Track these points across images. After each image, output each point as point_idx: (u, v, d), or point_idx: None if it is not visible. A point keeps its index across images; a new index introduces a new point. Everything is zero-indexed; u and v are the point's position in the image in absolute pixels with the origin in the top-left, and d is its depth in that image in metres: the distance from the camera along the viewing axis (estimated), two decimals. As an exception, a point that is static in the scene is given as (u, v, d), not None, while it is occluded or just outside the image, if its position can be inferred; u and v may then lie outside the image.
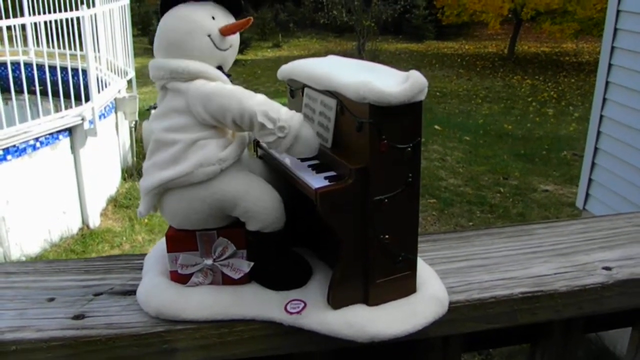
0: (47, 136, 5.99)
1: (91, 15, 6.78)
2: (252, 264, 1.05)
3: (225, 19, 1.07)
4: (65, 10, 7.89)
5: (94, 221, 6.74)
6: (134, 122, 8.22)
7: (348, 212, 0.94)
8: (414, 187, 0.96)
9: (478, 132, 10.49)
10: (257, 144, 1.18)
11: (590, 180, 5.44)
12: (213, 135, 1.03)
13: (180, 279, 1.05)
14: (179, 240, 1.04)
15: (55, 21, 6.77)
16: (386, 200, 0.94)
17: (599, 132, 5.29)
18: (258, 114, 0.98)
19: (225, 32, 1.06)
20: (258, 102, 0.99)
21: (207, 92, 1.00)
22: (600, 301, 1.17)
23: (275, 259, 1.06)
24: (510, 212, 7.41)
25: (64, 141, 6.27)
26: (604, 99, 5.21)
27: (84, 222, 6.69)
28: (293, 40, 19.78)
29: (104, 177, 7.17)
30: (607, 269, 1.20)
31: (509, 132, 10.53)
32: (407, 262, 1.01)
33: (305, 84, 1.11)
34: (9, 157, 5.60)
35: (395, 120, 0.91)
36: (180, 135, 1.01)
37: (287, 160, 1.07)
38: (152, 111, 1.08)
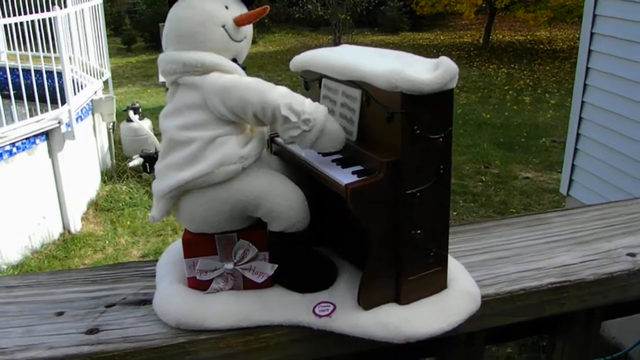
0: (24, 141, 5.84)
1: (63, 16, 6.62)
2: (276, 266, 0.99)
3: (238, 8, 1.02)
4: (36, 11, 7.71)
5: (75, 226, 6.61)
6: (111, 124, 8.08)
7: (380, 207, 0.89)
8: (446, 178, 0.92)
9: (457, 121, 10.51)
10: (271, 139, 1.13)
11: (573, 165, 5.47)
12: (232, 131, 0.97)
13: (199, 285, 0.99)
14: (197, 244, 0.98)
15: (27, 23, 6.60)
16: (418, 194, 0.90)
17: (580, 118, 5.31)
18: (282, 107, 0.92)
19: (240, 22, 1.00)
20: (281, 94, 0.93)
21: (225, 84, 0.94)
22: (625, 288, 1.15)
23: (300, 260, 1.00)
24: (493, 200, 7.45)
25: (41, 145, 6.13)
26: (585, 85, 5.23)
27: (65, 227, 6.55)
28: (268, 35, 19.65)
29: (84, 181, 7.04)
30: (632, 255, 1.18)
31: (487, 121, 10.59)
32: (438, 258, 0.97)
33: (323, 74, 1.06)
34: (-16, 163, 5.46)
35: (426, 110, 0.87)
36: (197, 132, 0.95)
37: (308, 155, 1.01)
38: (164, 109, 1.01)
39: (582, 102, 5.26)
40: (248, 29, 1.03)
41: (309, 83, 1.13)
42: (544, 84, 13.08)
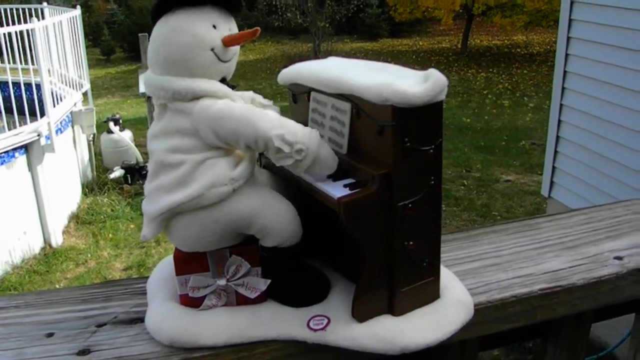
0: (2, 154, 5.76)
1: (42, 28, 6.56)
2: (269, 281, 0.99)
3: (226, 24, 0.99)
4: (13, 23, 7.63)
5: (57, 239, 6.53)
6: (91, 135, 8.00)
7: (373, 220, 0.89)
8: (437, 189, 0.93)
9: (438, 126, 10.57)
10: (260, 153, 1.12)
11: (554, 168, 5.53)
12: (222, 153, 0.96)
13: (191, 302, 0.98)
14: (188, 261, 0.98)
15: (5, 35, 6.52)
16: (410, 205, 0.90)
17: (559, 121, 5.38)
18: (274, 139, 0.91)
19: (229, 43, 0.98)
20: (273, 126, 0.92)
21: (216, 115, 0.92)
22: (614, 291, 1.16)
23: (292, 275, 1.00)
24: (475, 203, 7.50)
25: (20, 159, 6.05)
26: (563, 88, 5.30)
27: (46, 241, 6.47)
28: (248, 44, 19.61)
29: (64, 194, 6.95)
30: (619, 258, 1.19)
31: (467, 125, 10.67)
32: (431, 268, 0.97)
33: (312, 87, 1.05)
34: (-37, 178, 5.37)
35: (417, 122, 0.88)
36: (186, 155, 0.94)
37: None
38: (151, 128, 1.00)
39: (561, 105, 5.32)
40: (236, 47, 1.01)
41: (297, 96, 1.12)
42: (522, 87, 13.22)
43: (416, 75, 0.91)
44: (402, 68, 0.98)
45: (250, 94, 1.06)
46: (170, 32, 0.95)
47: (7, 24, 8.00)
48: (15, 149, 5.91)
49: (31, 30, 6.26)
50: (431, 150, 0.90)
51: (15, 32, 6.36)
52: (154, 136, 0.97)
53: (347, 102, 0.96)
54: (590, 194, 4.95)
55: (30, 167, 6.20)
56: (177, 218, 0.96)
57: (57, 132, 6.48)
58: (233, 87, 1.00)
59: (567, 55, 5.20)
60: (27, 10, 8.35)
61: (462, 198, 7.63)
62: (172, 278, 1.00)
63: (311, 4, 16.93)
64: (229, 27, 1.00)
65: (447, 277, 1.05)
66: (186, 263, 0.97)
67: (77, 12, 8.22)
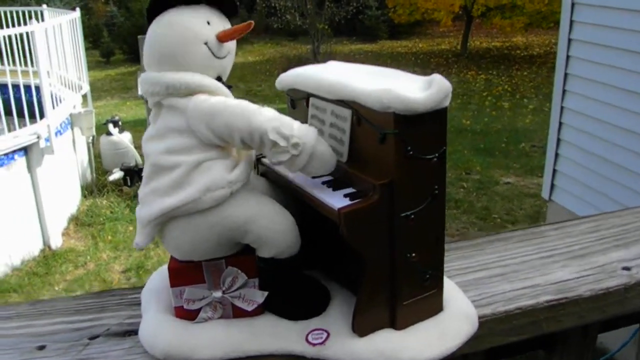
0: (2, 157, 5.73)
1: (41, 30, 6.54)
2: (266, 294, 0.95)
3: (221, 23, 0.97)
4: (13, 25, 7.61)
5: (56, 241, 6.50)
6: (91, 138, 7.98)
7: (374, 231, 0.86)
8: (441, 199, 0.90)
9: (438, 128, 10.54)
10: (257, 160, 1.09)
11: (554, 170, 5.50)
12: (218, 155, 0.93)
13: (186, 315, 0.95)
14: (183, 272, 0.94)
15: (4, 37, 6.50)
16: (413, 216, 0.87)
17: (560, 123, 5.35)
18: (269, 132, 0.89)
19: (223, 38, 0.95)
20: (268, 118, 0.90)
21: (210, 109, 0.90)
22: (622, 303, 1.13)
23: (291, 286, 0.97)
24: (475, 206, 7.47)
25: (20, 161, 6.02)
26: (564, 91, 5.27)
27: (46, 243, 6.44)
28: (247, 46, 19.60)
29: (64, 196, 6.93)
30: (627, 269, 1.16)
31: (467, 127, 10.64)
32: (434, 280, 0.94)
33: (311, 93, 1.02)
34: (-39, 181, 5.34)
35: (420, 129, 0.84)
36: (182, 157, 0.91)
37: (296, 177, 0.98)
38: (146, 131, 0.97)
39: (562, 107, 5.30)
40: (231, 45, 0.99)
41: (296, 102, 1.09)
42: (522, 89, 13.20)
43: (419, 80, 0.88)
44: (404, 73, 0.96)
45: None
46: (164, 27, 0.94)
47: (7, 26, 7.97)
48: (14, 151, 5.89)
49: (31, 32, 6.24)
50: (435, 159, 0.87)
51: (15, 35, 6.33)
52: (149, 138, 0.95)
53: (348, 109, 0.92)
54: (592, 198, 4.92)
55: (30, 169, 6.17)
56: (172, 223, 0.92)
57: (56, 134, 6.46)
58: (229, 88, 0.98)
59: (568, 57, 5.17)
60: (27, 12, 8.34)
61: (462, 201, 7.59)
62: (167, 288, 0.97)
63: (310, 6, 16.91)
64: (223, 26, 0.97)
65: (450, 288, 1.02)
66: (181, 274, 0.94)
67: (77, 14, 8.20)
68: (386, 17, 18.97)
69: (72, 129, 7.46)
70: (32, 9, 8.32)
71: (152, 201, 0.92)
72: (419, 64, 16.29)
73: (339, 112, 0.95)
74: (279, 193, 1.03)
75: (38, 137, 6.06)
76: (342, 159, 0.95)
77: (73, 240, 6.73)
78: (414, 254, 0.90)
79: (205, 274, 0.95)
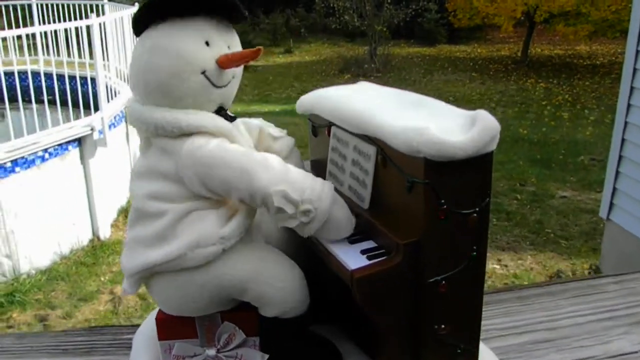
0: (56, 147, 5.87)
1: (100, 24, 6.67)
2: (266, 356, 0.83)
3: (223, 40, 0.82)
4: (75, 19, 7.79)
5: (105, 232, 6.61)
6: (144, 131, 8.08)
7: (394, 299, 0.72)
8: (480, 262, 0.74)
9: (493, 137, 10.28)
10: None
11: (614, 189, 5.25)
12: (210, 205, 0.80)
13: None
14: (173, 325, 0.83)
15: (65, 30, 6.66)
16: (443, 282, 0.73)
17: (623, 140, 5.09)
18: (274, 197, 0.75)
19: (225, 64, 0.81)
20: (273, 179, 0.75)
21: (206, 160, 0.77)
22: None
23: (296, 348, 0.84)
24: (528, 219, 7.22)
25: (73, 152, 6.15)
26: (629, 105, 5.02)
27: (95, 233, 6.56)
28: (304, 45, 19.62)
29: (115, 188, 7.04)
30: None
31: (524, 136, 10.33)
32: (467, 356, 0.79)
33: (332, 122, 0.88)
34: (17, 169, 5.48)
35: (457, 178, 0.70)
36: (169, 204, 0.79)
37: None
38: (135, 163, 0.86)
39: (626, 122, 5.04)
40: (236, 68, 0.84)
41: (317, 129, 0.95)
42: (583, 99, 12.74)
43: (460, 116, 0.74)
44: (443, 105, 0.80)
45: (259, 122, 0.90)
46: (151, 52, 0.79)
47: (69, 19, 8.17)
48: (68, 142, 6.02)
49: (90, 26, 6.36)
50: (475, 214, 0.72)
51: (75, 28, 6.48)
52: (136, 175, 0.83)
53: (372, 145, 0.79)
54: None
55: (83, 160, 6.30)
56: (157, 279, 0.81)
57: (110, 126, 6.57)
58: (233, 118, 0.84)
59: (635, 70, 4.92)
60: (87, 5, 8.53)
61: (514, 213, 7.35)
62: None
63: (369, 7, 16.77)
64: (226, 43, 0.83)
65: (486, 357, 0.88)
66: (170, 327, 0.83)
67: (137, 9, 8.33)
68: (445, 20, 18.65)
69: (126, 122, 7.58)
70: (93, 2, 8.49)
71: (134, 251, 0.81)
72: (477, 70, 15.96)
73: (362, 149, 0.81)
74: (291, 235, 0.89)
75: (92, 129, 6.17)
76: (364, 205, 0.81)
77: (121, 232, 6.83)
78: (443, 326, 0.76)
79: (198, 328, 0.84)
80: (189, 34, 0.78)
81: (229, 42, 0.82)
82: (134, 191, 0.82)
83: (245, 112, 11.85)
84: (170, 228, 0.78)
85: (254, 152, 0.78)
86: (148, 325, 0.94)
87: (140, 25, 0.80)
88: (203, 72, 0.79)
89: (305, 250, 0.86)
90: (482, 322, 0.81)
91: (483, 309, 0.80)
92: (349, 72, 15.67)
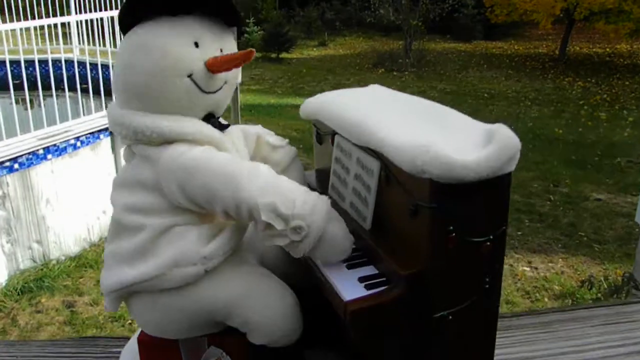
0: (88, 135, 5.94)
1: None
2: None
3: (215, 41, 0.75)
4: (111, 8, 7.88)
5: (133, 221, 6.68)
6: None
7: (394, 335, 0.64)
8: (493, 294, 0.66)
9: (527, 136, 10.08)
10: None
11: (651, 193, 5.09)
12: (193, 220, 0.74)
13: None
14: (156, 348, 0.78)
15: (100, 19, 6.73)
16: (451, 317, 0.64)
17: (663, 142, 4.93)
18: (262, 210, 0.67)
19: (214, 67, 0.74)
20: (263, 189, 0.67)
21: (187, 166, 0.70)
22: None
23: None
24: (561, 221, 7.06)
25: (105, 141, 6.21)
26: (670, 106, 4.85)
27: (123, 222, 6.63)
28: (339, 39, 19.53)
29: (144, 177, 7.12)
30: None
31: (559, 136, 10.12)
32: None
33: (335, 130, 0.80)
34: (49, 156, 5.56)
35: (469, 203, 0.61)
36: (148, 219, 0.73)
37: None
38: (119, 172, 0.83)
39: (665, 125, 4.87)
40: (229, 73, 0.76)
41: (322, 136, 0.88)
42: (622, 100, 12.43)
43: (475, 129, 0.66)
44: (460, 116, 0.72)
45: (257, 129, 0.82)
46: (134, 49, 0.73)
47: (106, 9, 8.27)
48: (100, 131, 6.08)
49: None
50: (489, 242, 0.63)
51: (108, 17, 6.54)
52: (118, 184, 0.79)
53: (376, 160, 0.70)
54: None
55: (114, 149, 6.36)
56: (135, 298, 0.76)
57: (141, 116, 6.62)
58: (224, 127, 0.77)
59: (677, 71, 4.74)
60: (124, -5, 8.60)
61: (547, 214, 7.19)
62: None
63: (405, 2, 16.61)
64: (219, 45, 0.75)
65: None
66: (152, 350, 0.78)
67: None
68: (482, 16, 18.35)
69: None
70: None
71: (111, 266, 0.76)
72: (513, 67, 15.69)
73: (365, 162, 0.73)
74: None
75: (124, 119, 6.22)
76: (365, 226, 0.73)
77: (150, 221, 6.90)
78: None
79: (182, 352, 0.78)
80: (177, 33, 0.72)
81: (223, 46, 0.75)
82: (113, 202, 0.78)
83: (278, 104, 11.84)
84: (149, 243, 0.73)
85: (242, 161, 0.71)
86: (134, 343, 0.91)
87: (127, 21, 0.74)
88: (189, 75, 0.73)
89: (305, 269, 0.78)
90: (501, 352, 0.73)
91: (503, 336, 0.73)
92: (383, 66, 15.54)
